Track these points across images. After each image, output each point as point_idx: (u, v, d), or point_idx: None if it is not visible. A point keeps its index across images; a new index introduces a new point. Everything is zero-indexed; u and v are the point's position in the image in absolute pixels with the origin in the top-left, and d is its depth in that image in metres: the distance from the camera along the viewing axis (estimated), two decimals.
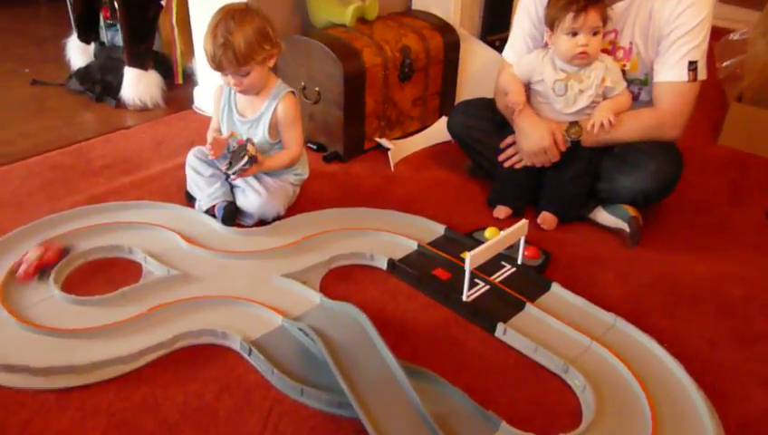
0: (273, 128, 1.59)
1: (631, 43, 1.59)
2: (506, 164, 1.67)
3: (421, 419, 1.05)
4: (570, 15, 1.50)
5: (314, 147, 1.97)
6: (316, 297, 1.33)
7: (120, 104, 2.24)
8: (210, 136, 1.64)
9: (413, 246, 1.52)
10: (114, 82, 2.31)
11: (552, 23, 1.55)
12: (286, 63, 1.93)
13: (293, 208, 1.67)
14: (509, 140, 1.67)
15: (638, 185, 1.55)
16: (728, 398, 1.15)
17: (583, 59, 1.54)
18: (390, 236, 1.55)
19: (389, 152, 1.91)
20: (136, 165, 1.88)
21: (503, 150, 1.69)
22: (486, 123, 1.75)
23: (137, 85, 2.20)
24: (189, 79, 2.36)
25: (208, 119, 1.77)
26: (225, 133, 1.61)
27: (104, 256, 1.46)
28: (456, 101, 2.22)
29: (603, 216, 1.64)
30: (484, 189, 1.80)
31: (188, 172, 1.65)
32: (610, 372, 1.18)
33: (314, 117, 1.94)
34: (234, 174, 1.54)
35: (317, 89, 1.89)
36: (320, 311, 1.30)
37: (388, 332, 1.24)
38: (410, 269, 1.43)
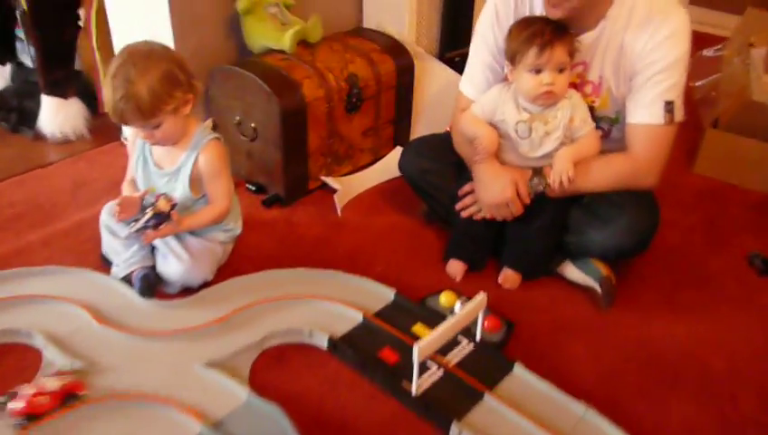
0: (195, 181, 1.38)
1: (601, 78, 1.41)
2: (464, 214, 1.50)
3: None
4: (533, 51, 1.32)
5: (253, 188, 1.76)
6: (243, 393, 1.14)
7: (38, 135, 2.01)
8: (125, 189, 1.44)
9: (358, 317, 1.33)
10: (34, 108, 2.05)
11: (512, 57, 1.37)
12: (219, 95, 1.72)
13: (225, 268, 1.48)
14: (467, 188, 1.49)
15: (609, 241, 1.38)
16: None
17: (548, 99, 1.36)
18: (333, 306, 1.36)
19: (336, 195, 1.72)
20: (49, 215, 1.65)
21: (460, 198, 1.52)
22: (443, 166, 1.56)
23: (56, 116, 1.96)
24: None
25: None
26: (142, 188, 1.40)
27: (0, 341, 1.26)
28: (412, 128, 2.04)
29: (572, 271, 1.47)
30: (440, 237, 1.63)
31: (103, 233, 1.44)
32: None
33: (252, 155, 1.74)
34: (136, 232, 1.32)
35: (253, 125, 1.68)
36: (245, 412, 1.12)
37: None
38: (353, 351, 1.25)
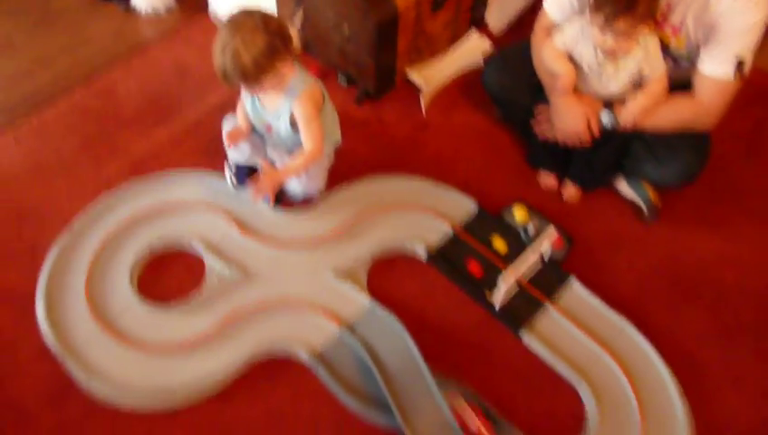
0: (295, 123, 1.58)
1: (682, 23, 1.52)
2: (539, 134, 1.71)
3: (456, 433, 1.34)
4: (599, 16, 1.43)
5: (344, 80, 1.93)
6: (366, 300, 1.52)
7: (128, 7, 2.09)
8: (239, 115, 1.64)
9: (448, 231, 1.65)
10: None
11: (590, 4, 1.47)
12: (315, 2, 1.80)
13: (332, 172, 1.74)
14: (543, 110, 1.68)
15: (661, 178, 1.63)
16: (704, 399, 1.43)
17: (610, 56, 1.49)
18: (427, 218, 1.67)
19: (421, 95, 1.90)
20: (166, 109, 1.87)
21: (536, 117, 1.71)
22: (523, 85, 1.73)
23: None
24: None
25: None
26: (253, 119, 1.62)
27: (168, 246, 1.59)
28: (488, 10, 2.10)
29: (624, 187, 1.74)
30: (514, 142, 1.86)
31: (226, 145, 1.68)
32: (614, 384, 1.43)
33: (345, 53, 1.88)
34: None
35: (347, 31, 1.79)
36: (370, 316, 1.50)
37: (428, 335, 1.47)
38: (445, 263, 1.59)
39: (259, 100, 1.59)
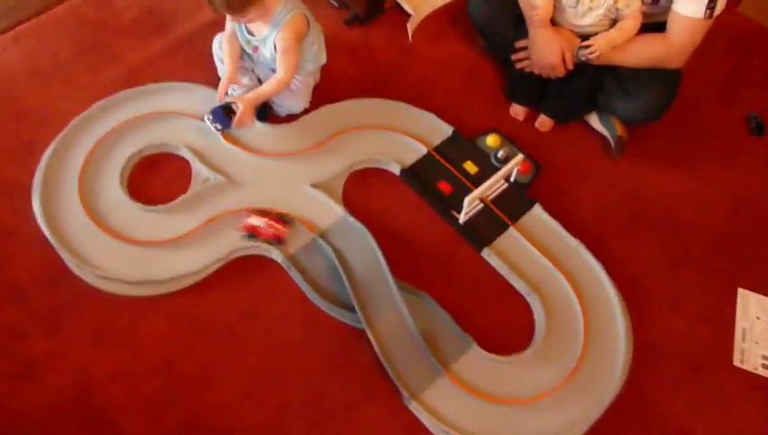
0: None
1: None
2: (517, 66, 1.77)
3: (412, 334, 1.46)
4: None
5: (336, 3, 1.98)
6: (340, 211, 1.62)
7: None
8: (226, 41, 1.68)
9: (423, 150, 1.74)
10: None
11: None
12: None
13: (318, 90, 1.81)
14: (522, 43, 1.74)
15: (629, 113, 1.71)
16: (644, 320, 1.55)
17: None
18: (403, 138, 1.75)
19: (408, 22, 1.95)
20: (161, 21, 1.93)
21: (516, 50, 1.77)
22: (507, 16, 1.78)
23: None
24: None
25: None
26: (240, 39, 1.67)
27: (156, 151, 1.69)
28: None
29: (594, 121, 1.82)
30: (495, 73, 1.93)
31: (217, 63, 1.75)
32: (563, 297, 1.55)
33: None
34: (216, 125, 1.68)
35: None
36: (342, 225, 1.60)
37: (395, 245, 1.58)
38: (417, 180, 1.68)
39: (246, 25, 1.64)
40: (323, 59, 1.79)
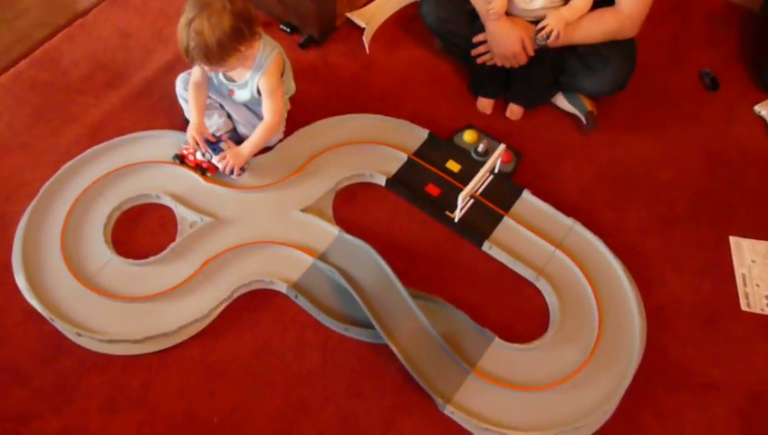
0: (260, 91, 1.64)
1: None
2: (478, 60, 1.80)
3: (433, 339, 1.45)
4: None
5: (288, 29, 1.98)
6: (334, 230, 1.60)
7: None
8: (191, 91, 1.64)
9: (403, 157, 1.74)
10: None
11: None
12: None
13: (288, 118, 1.79)
14: (480, 37, 1.77)
15: (595, 87, 1.76)
16: (650, 284, 1.59)
17: None
18: (382, 149, 1.75)
19: (363, 34, 1.96)
20: (113, 73, 1.88)
21: (474, 45, 1.80)
22: (460, 15, 1.81)
23: None
24: None
25: None
26: (215, 82, 1.65)
27: (136, 203, 1.64)
28: None
29: (563, 102, 1.86)
30: (456, 71, 1.95)
31: (182, 103, 1.72)
32: (570, 276, 1.57)
33: (285, 2, 1.91)
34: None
35: None
36: (340, 244, 1.58)
37: (396, 255, 1.57)
38: (404, 187, 1.68)
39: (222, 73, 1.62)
40: (293, 88, 1.77)
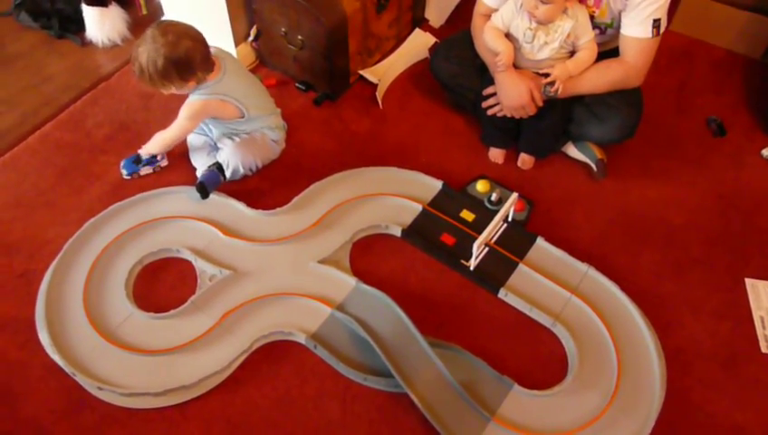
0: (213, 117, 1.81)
1: None
2: (489, 112, 1.85)
3: (453, 387, 1.45)
4: None
5: (303, 87, 2.05)
6: (351, 281, 1.62)
7: (84, 42, 2.17)
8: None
9: (418, 208, 1.77)
10: (67, 9, 2.20)
11: None
12: (264, 9, 1.92)
13: (302, 171, 1.86)
14: (490, 90, 1.83)
15: (604, 135, 1.80)
16: (667, 327, 1.58)
17: (535, 19, 1.66)
18: (397, 201, 1.79)
19: (377, 91, 2.03)
20: (135, 133, 1.95)
21: (484, 98, 1.85)
22: (470, 69, 1.88)
23: (102, 26, 2.12)
24: (152, 7, 2.27)
25: None
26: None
27: (156, 258, 1.68)
28: (426, 7, 2.26)
29: (573, 151, 1.90)
30: (467, 123, 2.01)
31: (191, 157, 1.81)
32: (587, 321, 1.57)
33: (299, 60, 2.00)
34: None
35: (300, 38, 1.91)
36: (357, 294, 1.60)
37: (413, 304, 1.58)
38: (420, 238, 1.71)
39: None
40: (280, 123, 1.86)
